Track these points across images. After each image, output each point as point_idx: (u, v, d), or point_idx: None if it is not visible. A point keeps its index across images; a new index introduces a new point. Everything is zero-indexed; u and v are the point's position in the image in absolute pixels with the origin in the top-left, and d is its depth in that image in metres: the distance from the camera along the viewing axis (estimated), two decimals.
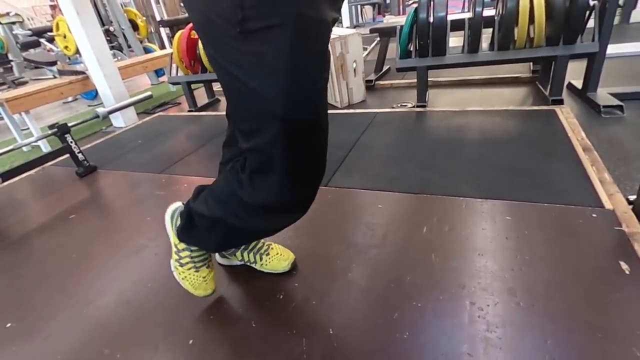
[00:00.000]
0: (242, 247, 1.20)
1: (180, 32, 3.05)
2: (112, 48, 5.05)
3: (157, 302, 1.17)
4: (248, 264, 1.22)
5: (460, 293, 1.02)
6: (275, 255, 1.20)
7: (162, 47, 8.80)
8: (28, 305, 1.24)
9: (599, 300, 0.94)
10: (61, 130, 2.12)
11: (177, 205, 1.11)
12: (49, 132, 2.11)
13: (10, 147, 2.01)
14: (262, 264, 1.20)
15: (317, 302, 1.07)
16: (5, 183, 2.12)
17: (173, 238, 1.08)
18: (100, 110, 2.38)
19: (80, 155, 2.20)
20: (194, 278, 1.07)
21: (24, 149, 3.05)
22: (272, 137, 0.70)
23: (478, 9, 2.20)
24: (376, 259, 1.20)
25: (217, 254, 1.28)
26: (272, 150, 0.72)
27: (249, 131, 0.74)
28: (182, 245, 1.06)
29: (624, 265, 1.02)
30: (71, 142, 2.15)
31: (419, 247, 1.22)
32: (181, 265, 1.08)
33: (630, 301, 0.92)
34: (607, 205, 1.27)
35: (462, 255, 1.16)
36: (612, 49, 2.59)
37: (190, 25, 3.04)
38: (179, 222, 1.05)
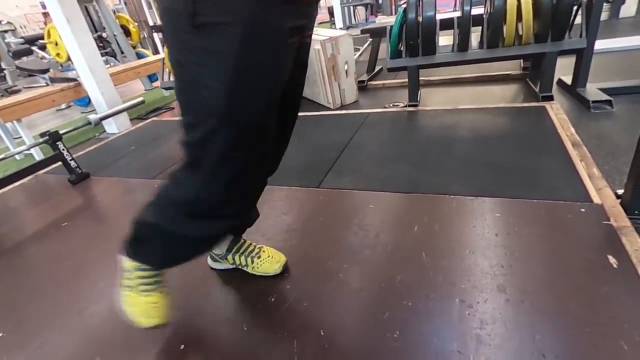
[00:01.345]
0: (234, 249, 1.20)
1: None
2: (105, 54, 5.05)
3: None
4: (240, 267, 1.22)
5: (451, 291, 1.02)
6: (266, 258, 1.20)
7: (156, 52, 8.78)
8: (20, 314, 1.23)
9: (587, 295, 0.95)
10: (52, 138, 2.11)
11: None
12: (41, 140, 2.10)
13: (2, 155, 2.00)
14: (253, 267, 1.20)
15: (308, 304, 1.07)
16: None
17: (122, 261, 0.98)
18: (92, 117, 2.38)
19: (72, 163, 2.19)
20: (142, 303, 0.96)
21: (17, 157, 3.04)
22: (206, 132, 0.70)
23: (466, 8, 2.21)
24: (368, 259, 1.20)
25: (209, 258, 1.28)
26: (205, 146, 0.72)
27: (187, 125, 0.74)
28: (131, 265, 0.96)
29: (612, 259, 1.02)
30: (63, 149, 2.15)
31: (410, 247, 1.22)
32: (130, 288, 0.96)
33: (618, 295, 0.93)
34: (596, 199, 1.28)
35: (452, 253, 1.16)
36: (601, 44, 2.61)
37: None
38: None
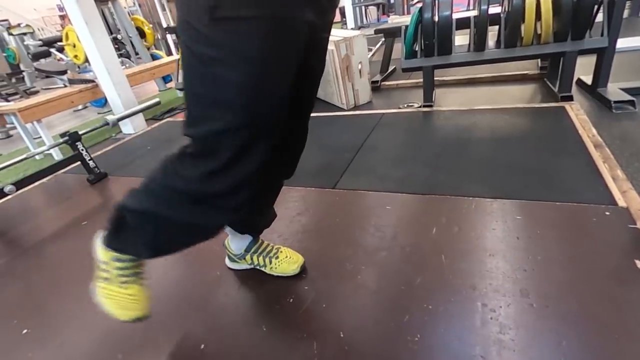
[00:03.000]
0: (252, 250, 1.21)
1: None
2: (120, 56, 5.13)
3: (168, 307, 1.18)
4: (257, 267, 1.23)
5: (472, 295, 1.01)
6: (284, 259, 1.21)
7: (169, 53, 8.90)
8: (43, 312, 1.26)
9: (614, 300, 0.92)
10: (72, 139, 2.15)
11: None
12: (61, 140, 2.14)
13: (23, 156, 2.05)
14: (271, 267, 1.20)
15: (327, 305, 1.06)
16: (19, 191, 2.16)
17: (98, 253, 0.95)
18: (110, 117, 2.42)
19: (91, 163, 2.23)
20: (119, 296, 0.92)
21: (37, 157, 3.11)
22: (220, 126, 0.69)
23: (484, 7, 2.18)
24: (385, 261, 1.20)
25: (227, 258, 1.29)
26: (219, 139, 0.71)
27: (197, 117, 0.72)
28: (108, 255, 0.92)
29: (639, 264, 1.00)
30: (82, 149, 2.19)
31: (428, 249, 1.21)
32: (106, 280, 0.93)
33: None
34: (621, 202, 1.25)
35: (472, 256, 1.14)
36: (622, 43, 2.54)
37: None
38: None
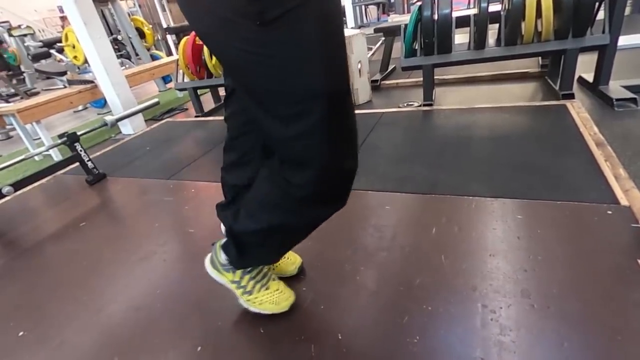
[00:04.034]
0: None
1: (185, 38, 3.07)
2: (120, 56, 5.13)
3: (166, 308, 1.17)
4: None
5: (472, 295, 0.99)
6: (283, 260, 1.19)
7: (169, 53, 8.90)
8: (40, 313, 1.25)
9: (617, 301, 0.91)
10: (71, 139, 2.15)
11: (210, 254, 1.07)
12: (59, 141, 2.14)
13: (22, 157, 2.04)
14: (269, 268, 1.19)
15: (325, 307, 1.05)
16: (18, 192, 2.16)
17: (228, 278, 1.03)
18: (109, 118, 2.41)
19: (89, 164, 2.22)
20: (270, 296, 1.04)
21: (36, 158, 3.11)
22: (315, 118, 0.67)
23: (483, 5, 2.16)
24: (385, 261, 1.18)
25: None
26: (313, 132, 0.69)
27: (285, 117, 0.70)
28: (237, 275, 1.02)
29: None
30: (80, 150, 2.18)
31: (428, 249, 1.20)
32: (250, 293, 1.03)
33: None
34: (623, 201, 1.23)
35: (472, 256, 1.13)
36: (623, 40, 2.53)
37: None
38: (225, 256, 1.00)
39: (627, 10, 4.33)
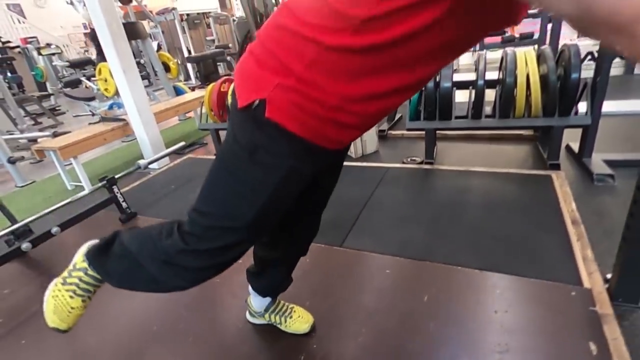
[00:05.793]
0: (270, 309, 1.43)
1: (211, 85, 3.39)
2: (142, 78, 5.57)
3: (191, 354, 1.40)
4: (274, 324, 1.45)
5: None
6: (297, 318, 1.43)
7: (187, 78, 9.34)
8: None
9: None
10: (110, 183, 2.42)
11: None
12: (99, 184, 2.41)
13: (68, 200, 2.31)
14: (286, 325, 1.43)
15: None
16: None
17: (77, 258, 1.07)
18: (142, 162, 2.69)
19: (124, 204, 2.49)
20: (62, 303, 1.04)
21: (68, 187, 3.40)
22: (222, 227, 0.88)
23: (480, 82, 2.45)
24: (383, 324, 1.41)
25: (247, 313, 1.51)
26: (215, 236, 0.88)
27: (207, 213, 0.89)
28: (81, 264, 1.05)
29: (592, 346, 1.20)
30: (117, 192, 2.45)
31: (419, 316, 1.43)
32: (63, 283, 1.05)
33: None
34: (586, 284, 1.45)
35: (457, 326, 1.36)
36: (611, 106, 2.77)
37: (221, 79, 3.39)
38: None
39: (621, 71, 4.60)
